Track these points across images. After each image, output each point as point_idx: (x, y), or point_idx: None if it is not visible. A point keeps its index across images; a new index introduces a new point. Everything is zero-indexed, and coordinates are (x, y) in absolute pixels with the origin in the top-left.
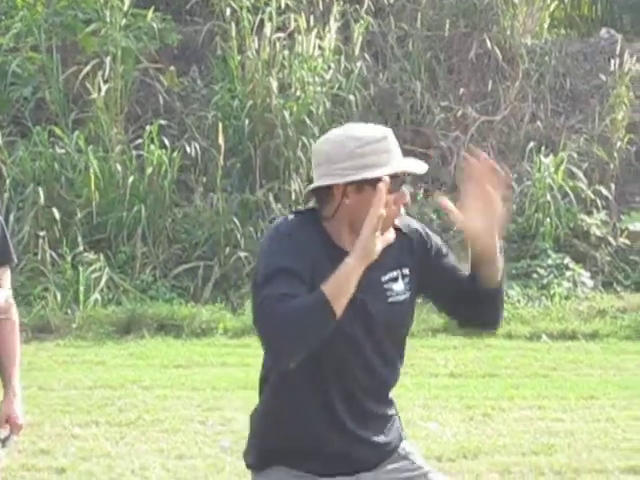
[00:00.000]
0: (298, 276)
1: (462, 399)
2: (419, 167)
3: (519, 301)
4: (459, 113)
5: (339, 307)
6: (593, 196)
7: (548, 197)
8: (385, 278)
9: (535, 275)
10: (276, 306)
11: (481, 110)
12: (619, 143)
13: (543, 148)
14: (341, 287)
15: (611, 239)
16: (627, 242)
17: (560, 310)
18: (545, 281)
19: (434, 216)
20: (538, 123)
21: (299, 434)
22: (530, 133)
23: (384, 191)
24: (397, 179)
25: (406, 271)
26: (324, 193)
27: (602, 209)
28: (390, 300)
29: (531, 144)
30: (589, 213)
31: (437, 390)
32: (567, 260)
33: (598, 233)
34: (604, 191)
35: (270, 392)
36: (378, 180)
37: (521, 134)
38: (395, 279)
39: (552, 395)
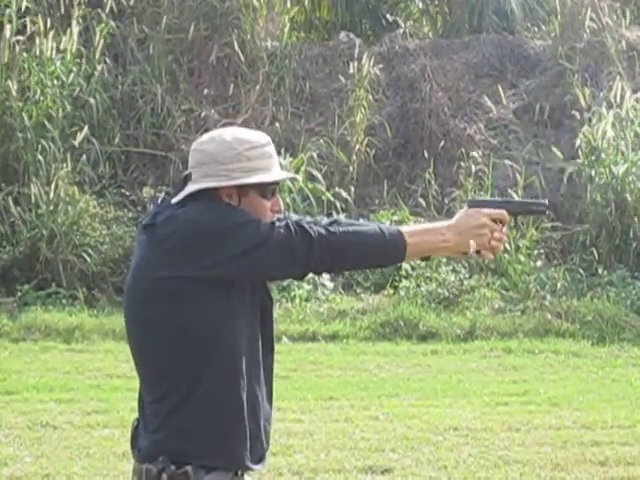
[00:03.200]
0: None
1: None
2: (295, 175)
3: None
4: (202, 115)
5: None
6: (332, 199)
7: (287, 199)
8: None
9: None
10: (320, 228)
11: (222, 113)
12: (358, 146)
13: (283, 151)
14: (420, 243)
15: None
16: None
17: (300, 312)
18: (285, 283)
19: None
20: (278, 126)
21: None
22: (270, 136)
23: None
24: (274, 186)
25: None
26: (205, 193)
27: (341, 212)
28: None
29: None
30: (328, 216)
31: None
32: None
33: None
34: (344, 194)
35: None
36: (263, 184)
37: None
38: None
39: (292, 396)
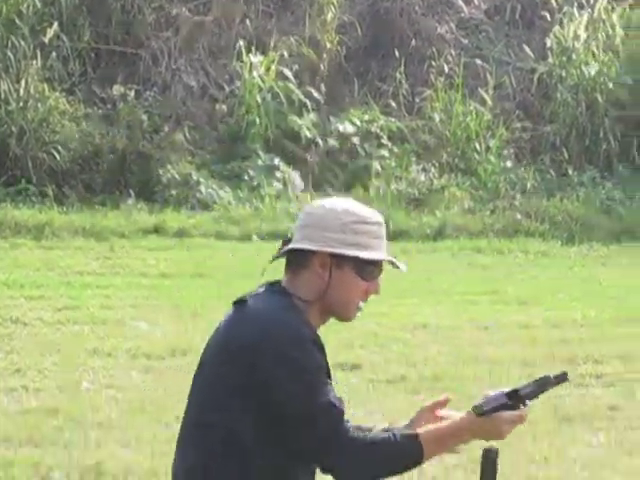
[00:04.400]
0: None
1: (171, 299)
2: (404, 266)
3: (230, 202)
4: (172, 13)
5: (428, 459)
6: (303, 97)
7: (258, 98)
8: None
9: (246, 176)
10: (358, 440)
11: (193, 11)
12: (329, 45)
13: (254, 49)
14: (439, 448)
15: (320, 140)
16: (336, 144)
17: (270, 211)
18: (255, 182)
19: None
20: (248, 24)
21: None
22: (241, 34)
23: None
24: (378, 268)
25: None
26: (301, 256)
27: (312, 110)
28: None
29: (241, 43)
30: (299, 114)
31: (147, 290)
32: (277, 161)
33: (308, 134)
34: (314, 93)
35: None
36: (361, 262)
37: (232, 35)
38: None
39: None
